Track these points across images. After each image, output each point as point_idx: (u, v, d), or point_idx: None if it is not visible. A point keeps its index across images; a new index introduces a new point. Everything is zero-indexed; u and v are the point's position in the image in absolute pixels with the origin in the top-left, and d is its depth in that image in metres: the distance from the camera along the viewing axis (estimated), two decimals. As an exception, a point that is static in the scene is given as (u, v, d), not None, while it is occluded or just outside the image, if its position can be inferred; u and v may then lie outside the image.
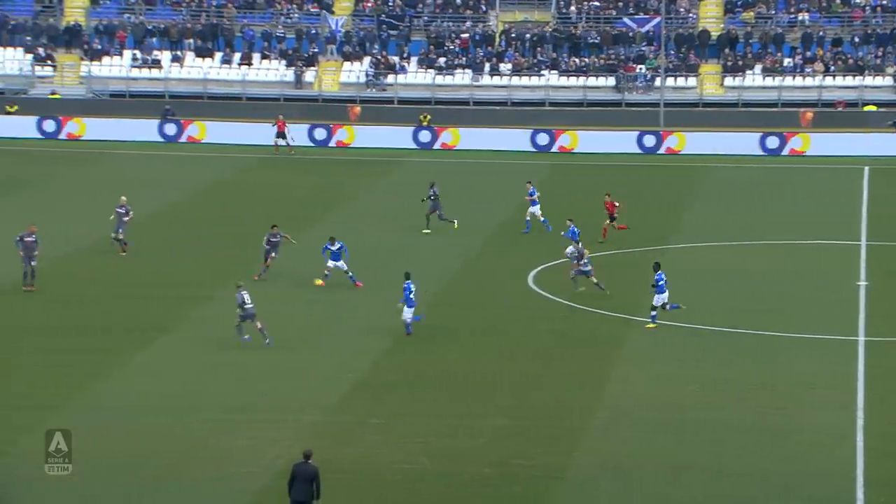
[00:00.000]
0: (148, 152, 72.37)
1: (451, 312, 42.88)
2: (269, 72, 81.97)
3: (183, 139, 74.88)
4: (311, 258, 45.60)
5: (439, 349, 39.10)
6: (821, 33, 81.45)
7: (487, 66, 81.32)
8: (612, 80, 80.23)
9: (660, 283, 40.56)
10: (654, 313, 40.78)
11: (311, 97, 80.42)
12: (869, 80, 79.02)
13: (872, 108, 77.30)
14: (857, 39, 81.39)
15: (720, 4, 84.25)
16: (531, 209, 53.37)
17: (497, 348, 39.21)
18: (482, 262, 49.65)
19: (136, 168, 68.36)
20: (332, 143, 74.20)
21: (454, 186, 62.46)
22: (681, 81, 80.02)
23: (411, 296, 39.40)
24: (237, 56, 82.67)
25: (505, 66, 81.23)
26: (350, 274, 44.49)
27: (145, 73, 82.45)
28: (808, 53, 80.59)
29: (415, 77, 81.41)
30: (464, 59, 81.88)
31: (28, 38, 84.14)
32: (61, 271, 47.34)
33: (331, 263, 44.47)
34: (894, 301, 44.59)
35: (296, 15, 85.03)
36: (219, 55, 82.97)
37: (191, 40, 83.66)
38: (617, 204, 51.62)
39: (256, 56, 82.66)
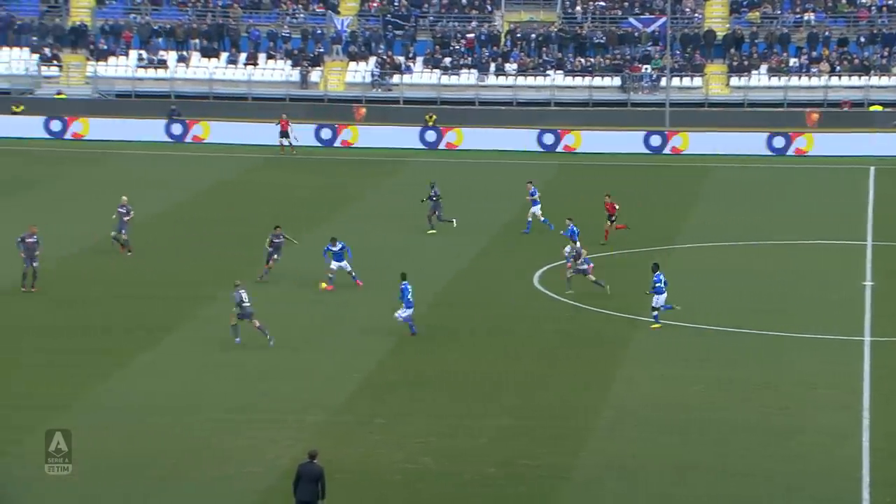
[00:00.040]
0: (153, 152, 72.43)
1: (456, 312, 42.87)
2: (275, 72, 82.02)
3: (188, 139, 74.94)
4: (315, 259, 45.58)
5: (444, 349, 39.10)
6: (826, 33, 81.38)
7: (493, 66, 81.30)
8: (617, 80, 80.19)
9: (657, 285, 40.51)
10: (655, 314, 40.76)
11: (317, 97, 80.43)
12: (875, 80, 78.93)
13: (878, 108, 77.22)
14: (862, 39, 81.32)
15: (726, 4, 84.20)
16: (532, 209, 53.35)
17: (502, 348, 39.19)
18: (487, 261, 49.64)
19: (142, 168, 68.42)
20: (337, 143, 74.23)
21: (459, 186, 62.49)
22: (686, 81, 79.97)
23: (409, 297, 39.39)
24: (243, 56, 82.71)
25: (510, 66, 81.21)
26: (353, 273, 44.47)
27: (151, 73, 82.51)
28: (814, 53, 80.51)
29: (420, 77, 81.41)
30: (469, 59, 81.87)
31: (34, 38, 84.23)
32: (66, 271, 47.39)
33: (333, 265, 44.43)
34: (900, 301, 44.57)
35: (301, 15, 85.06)
36: (224, 55, 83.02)
37: (196, 40, 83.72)
38: (617, 206, 51.50)
39: (262, 56, 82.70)
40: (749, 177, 66.89)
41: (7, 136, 74.48)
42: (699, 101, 78.98)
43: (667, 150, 72.50)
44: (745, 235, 53.55)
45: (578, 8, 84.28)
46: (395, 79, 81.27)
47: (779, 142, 72.08)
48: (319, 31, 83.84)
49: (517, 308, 43.31)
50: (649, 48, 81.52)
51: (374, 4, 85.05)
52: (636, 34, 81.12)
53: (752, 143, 72.03)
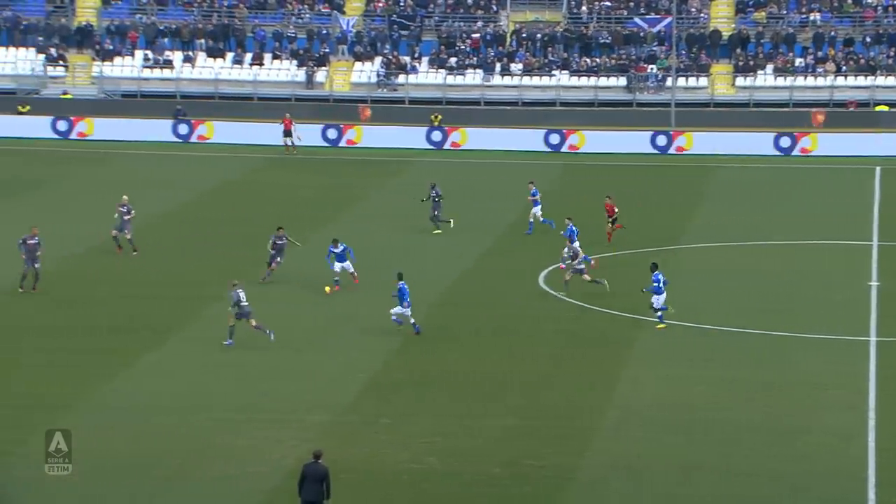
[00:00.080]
0: (159, 152, 72.48)
1: (461, 312, 42.87)
2: (281, 72, 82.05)
3: (193, 139, 74.98)
4: (318, 259, 45.54)
5: (449, 349, 39.09)
6: (832, 33, 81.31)
7: (498, 66, 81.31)
8: (623, 80, 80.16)
9: (655, 284, 40.47)
10: (660, 314, 40.75)
11: (323, 97, 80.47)
12: (881, 80, 78.86)
13: (884, 108, 77.14)
14: (868, 39, 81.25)
15: (731, 4, 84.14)
16: (533, 210, 53.30)
17: (507, 348, 39.18)
18: (492, 261, 49.62)
19: (147, 168, 68.47)
20: (342, 143, 74.26)
21: (464, 186, 62.54)
22: (692, 81, 79.94)
23: (407, 297, 39.43)
24: (248, 56, 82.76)
25: (516, 66, 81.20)
26: (354, 273, 44.45)
27: (157, 73, 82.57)
28: (820, 53, 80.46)
29: (426, 77, 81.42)
30: (475, 59, 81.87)
31: (40, 38, 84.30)
32: (71, 271, 47.44)
33: (337, 267, 44.40)
34: (906, 301, 44.52)
35: (307, 15, 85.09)
36: (230, 55, 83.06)
37: (202, 40, 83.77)
38: (616, 209, 51.38)
39: (268, 56, 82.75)
40: (754, 177, 66.85)
41: (13, 136, 74.55)
42: (705, 101, 78.94)
43: (672, 151, 72.46)
44: (751, 235, 53.51)
45: (584, 8, 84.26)
46: (401, 79, 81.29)
47: (784, 142, 72.04)
48: (325, 32, 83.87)
49: (522, 308, 43.29)
50: (655, 48, 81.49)
51: (380, 4, 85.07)
52: (642, 34, 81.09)
53: (757, 143, 71.98)
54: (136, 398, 34.74)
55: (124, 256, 48.88)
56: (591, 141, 72.86)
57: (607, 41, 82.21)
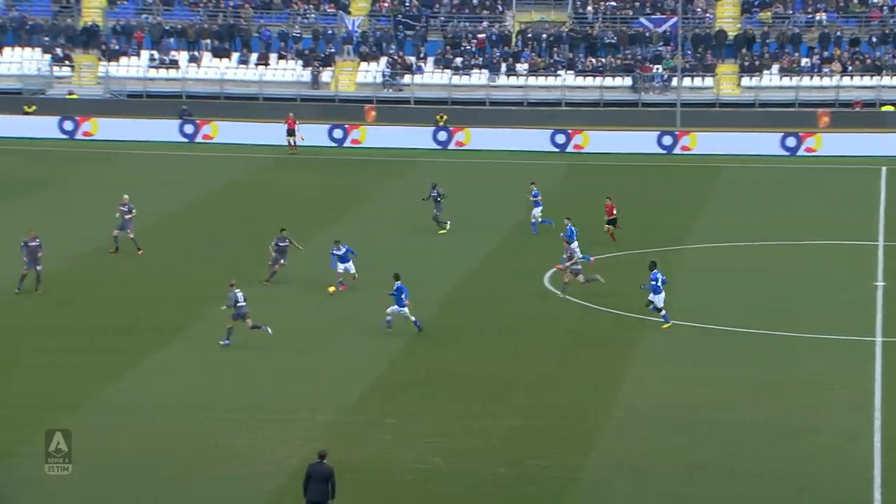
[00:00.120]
0: (164, 152, 72.54)
1: (466, 312, 42.88)
2: (286, 72, 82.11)
3: (199, 139, 75.06)
4: (322, 260, 45.52)
5: (453, 349, 39.10)
6: (838, 33, 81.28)
7: (504, 67, 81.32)
8: (628, 81, 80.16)
9: (654, 283, 40.47)
10: (664, 313, 40.76)
11: (328, 97, 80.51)
12: (887, 80, 78.83)
13: (890, 108, 77.09)
14: (874, 39, 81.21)
15: (737, 4, 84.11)
16: (534, 210, 53.27)
17: (512, 348, 39.18)
18: (497, 261, 49.63)
19: (153, 168, 68.53)
20: (347, 143, 74.30)
21: (470, 187, 62.59)
22: (697, 81, 79.93)
23: (403, 296, 39.42)
24: (254, 56, 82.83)
25: (521, 67, 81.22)
26: (355, 274, 44.45)
27: (162, 73, 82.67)
28: (826, 53, 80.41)
29: (431, 77, 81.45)
30: (480, 59, 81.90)
31: (46, 38, 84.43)
32: (77, 271, 47.49)
33: (340, 268, 44.40)
34: (911, 301, 44.48)
35: (312, 15, 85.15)
36: (236, 55, 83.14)
37: (208, 41, 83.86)
38: (615, 211, 51.28)
39: (273, 56, 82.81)
40: (760, 177, 66.82)
41: (19, 136, 74.63)
42: (710, 101, 78.93)
43: (677, 151, 72.44)
44: (756, 235, 53.48)
45: (589, 8, 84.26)
46: (406, 79, 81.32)
47: (790, 142, 72.01)
48: (330, 32, 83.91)
49: (527, 308, 43.29)
50: (660, 48, 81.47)
51: (385, 4, 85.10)
52: (647, 34, 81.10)
53: (763, 143, 71.95)
54: (141, 398, 34.77)
55: (129, 256, 48.90)
56: (596, 141, 72.86)
57: (613, 41, 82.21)
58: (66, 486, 28.41)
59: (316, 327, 41.28)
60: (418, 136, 73.95)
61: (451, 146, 73.79)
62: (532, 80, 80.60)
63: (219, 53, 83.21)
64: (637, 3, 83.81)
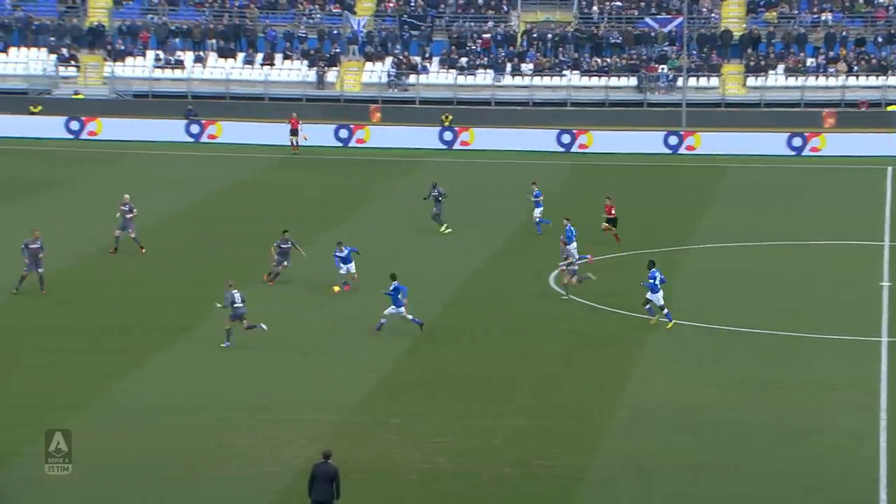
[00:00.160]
0: (170, 153, 72.58)
1: (471, 312, 42.88)
2: (292, 72, 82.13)
3: (204, 139, 75.10)
4: (326, 261, 45.48)
5: (457, 349, 39.10)
6: (844, 33, 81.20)
7: (509, 67, 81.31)
8: (634, 81, 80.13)
9: (651, 281, 40.48)
10: (666, 311, 40.76)
11: (333, 97, 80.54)
12: (892, 80, 78.76)
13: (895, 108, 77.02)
14: (880, 39, 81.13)
15: (743, 4, 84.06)
16: (535, 210, 53.26)
17: (517, 348, 39.18)
18: (503, 261, 49.62)
19: (158, 168, 68.57)
20: (352, 143, 74.32)
21: (475, 187, 62.60)
22: (703, 81, 79.89)
23: (400, 296, 39.42)
24: (259, 56, 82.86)
25: (527, 67, 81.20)
26: (355, 275, 44.43)
27: (168, 73, 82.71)
28: (831, 53, 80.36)
29: (436, 77, 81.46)
30: (485, 59, 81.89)
31: (52, 38, 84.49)
32: (82, 271, 47.52)
33: (343, 269, 44.40)
34: (917, 301, 44.44)
35: (318, 15, 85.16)
36: (241, 55, 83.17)
37: (213, 41, 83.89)
38: (614, 211, 51.22)
39: (279, 56, 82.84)
40: (765, 177, 66.78)
41: (25, 137, 74.69)
42: (716, 101, 78.89)
43: (682, 151, 72.41)
44: (761, 236, 53.45)
45: (595, 8, 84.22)
46: (412, 79, 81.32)
47: (796, 142, 71.96)
48: (336, 32, 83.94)
49: (532, 308, 43.29)
50: (666, 48, 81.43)
51: (391, 4, 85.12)
52: (653, 34, 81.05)
53: (768, 143, 71.90)
54: (146, 398, 34.79)
55: (134, 256, 48.92)
56: (602, 141, 72.82)
57: (618, 41, 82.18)
58: (70, 486, 28.42)
59: (320, 328, 41.28)
60: (423, 136, 73.96)
61: (457, 146, 73.79)
62: (537, 81, 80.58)
63: (224, 53, 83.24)
64: (642, 4, 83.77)
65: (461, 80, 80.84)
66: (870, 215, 57.37)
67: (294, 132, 71.47)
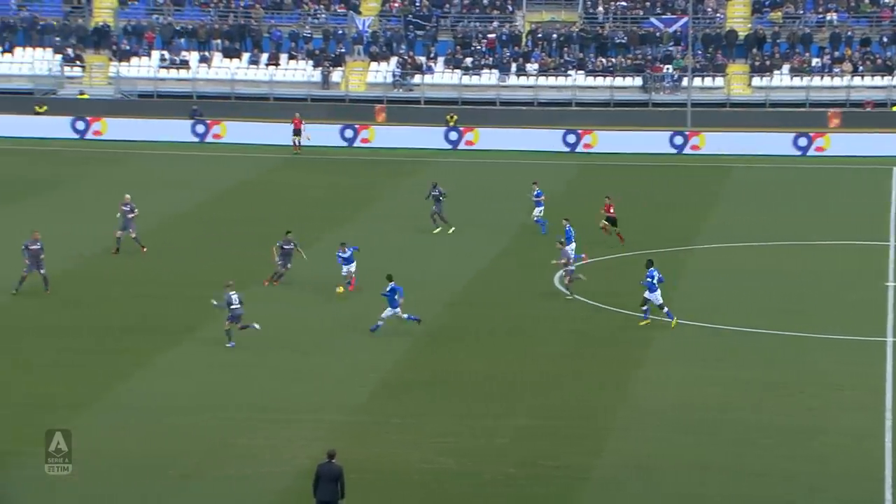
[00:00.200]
0: (175, 153, 72.62)
1: (475, 312, 42.87)
2: (297, 72, 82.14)
3: (209, 139, 75.14)
4: (329, 261, 45.44)
5: (461, 349, 39.09)
6: (849, 33, 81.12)
7: (514, 67, 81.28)
8: (639, 81, 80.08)
9: (649, 280, 40.47)
10: (666, 310, 40.75)
11: (338, 97, 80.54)
12: (898, 80, 78.69)
13: (901, 108, 76.98)
14: (885, 39, 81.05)
15: (748, 4, 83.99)
16: (536, 210, 53.23)
17: (521, 348, 39.16)
18: (507, 261, 49.61)
19: (163, 168, 68.60)
20: (357, 143, 74.33)
21: (480, 187, 62.60)
22: (708, 81, 79.81)
23: (396, 297, 39.41)
24: (264, 56, 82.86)
25: (531, 67, 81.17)
26: (355, 275, 44.40)
27: (173, 73, 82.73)
28: (837, 53, 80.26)
29: (441, 77, 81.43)
30: (490, 59, 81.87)
31: (57, 38, 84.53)
32: (87, 271, 47.54)
33: (345, 270, 44.38)
34: (922, 302, 44.38)
35: (323, 15, 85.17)
36: (246, 56, 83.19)
37: (218, 41, 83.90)
38: (612, 209, 51.16)
39: (284, 56, 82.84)
40: (770, 177, 66.73)
41: (30, 137, 74.74)
42: (721, 101, 78.82)
43: (687, 151, 72.37)
44: (766, 236, 53.41)
45: (600, 8, 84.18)
46: (417, 79, 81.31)
47: (801, 142, 71.90)
48: (341, 32, 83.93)
49: (536, 308, 43.27)
50: (671, 48, 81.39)
51: (396, 5, 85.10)
52: (658, 34, 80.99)
53: (774, 143, 71.85)
54: (150, 398, 34.81)
55: (139, 257, 48.94)
56: (607, 141, 72.76)
57: (623, 41, 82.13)
58: (74, 486, 28.43)
59: (321, 328, 41.27)
60: (428, 136, 73.95)
61: (462, 146, 73.78)
62: (542, 80, 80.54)
63: (229, 54, 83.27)
64: (647, 3, 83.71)
65: (466, 80, 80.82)
66: (875, 215, 57.31)
67: (297, 132, 71.50)
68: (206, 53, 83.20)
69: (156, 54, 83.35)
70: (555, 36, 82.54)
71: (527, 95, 79.91)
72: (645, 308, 40.94)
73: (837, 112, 75.85)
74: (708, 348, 39.39)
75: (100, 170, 67.85)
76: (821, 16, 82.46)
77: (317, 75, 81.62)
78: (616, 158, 70.88)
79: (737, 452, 31.48)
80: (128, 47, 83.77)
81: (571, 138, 73.15)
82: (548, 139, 73.09)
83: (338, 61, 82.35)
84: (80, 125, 75.66)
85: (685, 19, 78.30)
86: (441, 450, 31.30)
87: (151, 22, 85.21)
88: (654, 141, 72.59)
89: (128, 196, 49.84)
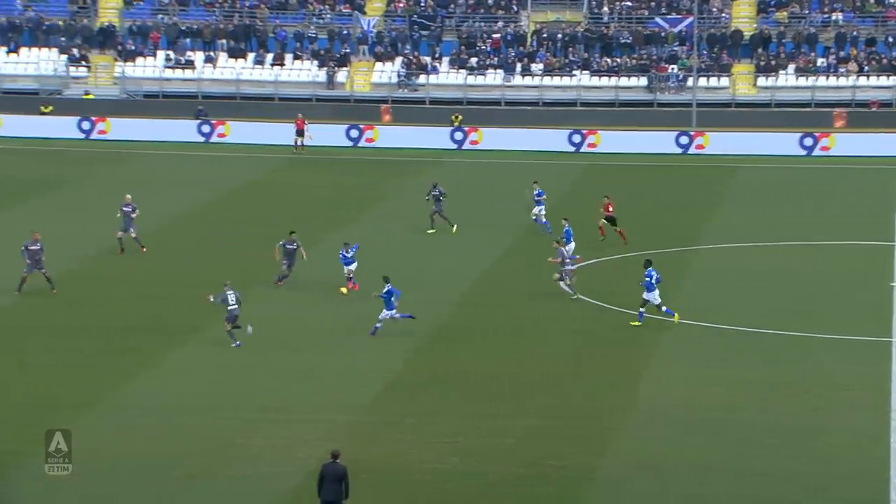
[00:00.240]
0: (179, 153, 72.67)
1: (482, 312, 42.88)
2: (302, 72, 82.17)
3: (214, 139, 75.20)
4: (333, 261, 45.42)
5: (468, 349, 39.11)
6: (854, 33, 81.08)
7: (519, 67, 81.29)
8: (644, 81, 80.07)
9: (647, 280, 40.49)
10: (665, 308, 40.77)
11: (343, 97, 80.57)
12: (903, 80, 78.62)
13: (906, 108, 76.93)
14: (890, 39, 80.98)
15: (753, 4, 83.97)
16: (535, 209, 53.23)
17: (528, 348, 39.18)
18: (512, 261, 49.62)
19: (167, 168, 68.65)
20: (362, 143, 74.36)
21: (485, 187, 62.63)
22: (713, 81, 79.79)
23: (392, 298, 39.42)
24: (270, 57, 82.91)
25: (536, 67, 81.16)
26: (353, 274, 44.42)
27: (178, 73, 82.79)
28: (842, 53, 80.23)
29: (446, 77, 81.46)
30: (495, 59, 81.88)
31: (62, 38, 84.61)
32: (91, 271, 47.58)
33: (346, 271, 44.38)
34: (927, 302, 44.36)
35: (328, 15, 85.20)
36: (251, 56, 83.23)
37: (224, 41, 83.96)
38: (611, 208, 51.13)
39: (289, 56, 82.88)
40: (776, 177, 66.71)
41: (36, 137, 74.82)
42: (726, 101, 78.82)
43: (692, 151, 72.37)
44: (771, 236, 53.40)
45: (605, 8, 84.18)
46: (421, 79, 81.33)
47: (806, 142, 71.89)
48: (346, 32, 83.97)
49: (542, 308, 43.28)
50: (676, 48, 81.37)
51: (401, 5, 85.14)
52: (663, 34, 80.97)
53: (779, 143, 71.83)
54: (157, 398, 34.85)
55: (143, 256, 48.97)
56: (611, 141, 72.77)
57: (628, 41, 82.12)
58: (78, 486, 28.46)
59: (327, 328, 41.29)
60: (433, 136, 73.98)
61: (466, 146, 73.81)
62: (547, 81, 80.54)
63: (234, 54, 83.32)
64: (653, 3, 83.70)
65: (471, 80, 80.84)
66: (880, 215, 57.28)
67: (300, 133, 71.53)
68: (212, 53, 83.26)
69: (161, 54, 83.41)
70: (560, 36, 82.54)
71: (532, 95, 79.92)
72: (642, 309, 40.93)
73: (843, 112, 75.82)
74: (713, 348, 39.40)
75: (105, 170, 67.91)
76: (826, 16, 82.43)
77: (322, 75, 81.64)
78: (621, 158, 70.90)
79: (742, 452, 31.49)
80: (133, 47, 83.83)
81: (576, 138, 73.17)
82: (553, 139, 73.10)
83: (343, 61, 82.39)
84: (86, 125, 75.73)
85: (690, 19, 78.29)
86: (447, 450, 31.33)
87: (156, 22, 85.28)
88: (659, 141, 72.59)
89: (129, 196, 49.88)
